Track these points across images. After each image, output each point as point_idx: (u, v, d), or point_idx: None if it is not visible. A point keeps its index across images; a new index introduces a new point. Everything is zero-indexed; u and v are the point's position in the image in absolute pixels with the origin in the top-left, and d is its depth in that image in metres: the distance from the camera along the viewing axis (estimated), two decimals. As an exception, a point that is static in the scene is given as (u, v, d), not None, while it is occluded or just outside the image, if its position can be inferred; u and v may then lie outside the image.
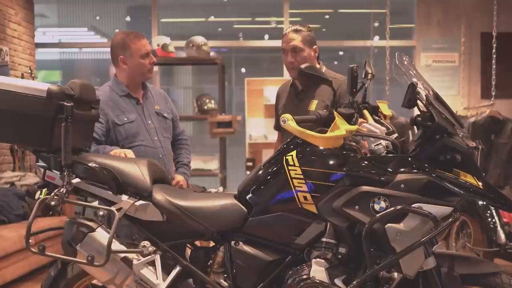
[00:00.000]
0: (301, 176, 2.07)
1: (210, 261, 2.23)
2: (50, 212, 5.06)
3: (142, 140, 2.87)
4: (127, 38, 2.90)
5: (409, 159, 2.03)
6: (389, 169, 2.01)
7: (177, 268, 2.18)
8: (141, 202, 2.17)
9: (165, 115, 3.03)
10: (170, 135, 3.06)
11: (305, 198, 2.06)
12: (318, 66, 3.00)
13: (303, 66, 2.19)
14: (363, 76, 2.31)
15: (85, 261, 2.08)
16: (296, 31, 2.95)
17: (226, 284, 2.18)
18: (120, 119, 2.85)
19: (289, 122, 2.06)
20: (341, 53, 9.27)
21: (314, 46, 2.97)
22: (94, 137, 2.67)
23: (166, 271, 2.18)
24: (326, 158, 2.08)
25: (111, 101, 2.86)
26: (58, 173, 2.19)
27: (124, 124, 2.85)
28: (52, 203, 2.08)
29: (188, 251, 2.31)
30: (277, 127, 3.13)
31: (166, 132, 3.01)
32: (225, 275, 2.19)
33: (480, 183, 1.95)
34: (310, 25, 3.02)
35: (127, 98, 2.92)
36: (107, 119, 2.81)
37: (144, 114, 2.93)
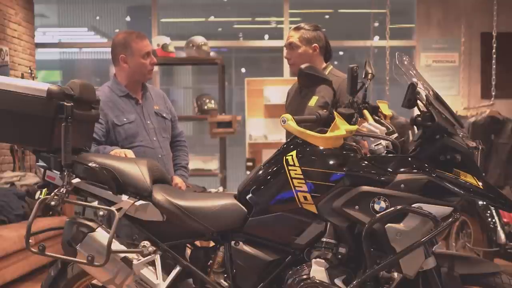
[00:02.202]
0: (301, 176, 2.07)
1: (210, 261, 2.23)
2: (50, 212, 5.06)
3: (141, 141, 2.87)
4: (129, 38, 2.91)
5: (409, 159, 2.03)
6: (389, 169, 2.01)
7: (177, 268, 2.18)
8: (141, 202, 2.17)
9: (164, 115, 3.03)
10: (169, 135, 3.06)
11: (305, 198, 2.06)
12: (324, 65, 3.02)
13: (303, 66, 2.18)
14: (363, 76, 2.31)
15: (85, 261, 2.08)
16: (296, 28, 3.03)
17: (226, 284, 2.17)
18: (119, 119, 2.85)
19: (289, 122, 2.06)
20: (341, 53, 9.27)
21: (314, 45, 2.98)
22: (94, 138, 2.68)
23: (166, 271, 2.18)
24: (326, 158, 2.08)
25: (110, 102, 2.86)
26: (58, 173, 2.19)
27: (123, 125, 2.85)
28: (52, 203, 2.08)
29: (188, 251, 2.31)
30: None
31: (165, 132, 3.01)
32: (225, 275, 2.19)
33: (480, 183, 1.95)
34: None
35: (126, 98, 2.92)
36: (107, 119, 2.82)
37: (143, 114, 2.93)
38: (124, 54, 2.90)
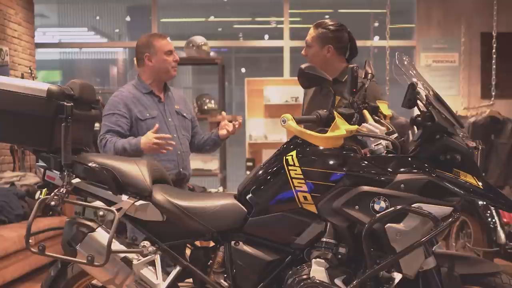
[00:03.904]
0: (301, 176, 2.07)
1: (210, 261, 2.23)
2: (50, 212, 5.05)
3: None
4: (151, 38, 3.09)
5: (409, 159, 2.03)
6: (389, 169, 2.01)
7: (177, 268, 2.18)
8: (141, 202, 2.17)
9: (184, 114, 3.16)
10: (189, 134, 3.17)
11: (305, 198, 2.06)
12: (344, 65, 2.88)
13: (303, 66, 2.17)
14: (363, 76, 2.31)
15: (85, 261, 2.08)
16: (316, 26, 2.94)
17: (226, 284, 2.17)
18: (142, 114, 2.96)
19: (289, 122, 2.06)
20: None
21: (327, 46, 2.87)
22: (119, 131, 2.85)
23: (166, 271, 2.18)
24: (326, 158, 2.08)
25: (134, 98, 2.99)
26: (58, 173, 2.19)
27: (146, 120, 2.96)
28: (52, 203, 2.08)
29: (188, 251, 2.32)
30: None
31: (185, 131, 3.13)
32: (225, 275, 2.19)
33: (480, 183, 1.96)
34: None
35: (150, 96, 3.05)
36: (131, 114, 2.94)
37: (165, 112, 3.06)
38: (148, 53, 3.05)
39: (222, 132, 3.06)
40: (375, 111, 2.29)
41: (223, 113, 3.14)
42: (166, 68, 3.05)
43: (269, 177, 2.16)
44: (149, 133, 2.75)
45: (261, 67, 9.72)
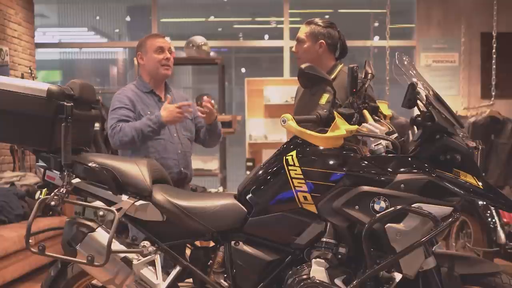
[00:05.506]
0: (301, 176, 2.07)
1: (210, 261, 2.23)
2: (50, 212, 5.05)
3: (163, 134, 2.97)
4: (146, 37, 3.15)
5: (409, 159, 2.03)
6: (389, 169, 2.01)
7: (177, 268, 2.19)
8: (141, 202, 2.17)
9: (186, 114, 3.09)
10: (191, 133, 3.16)
11: (305, 198, 2.06)
12: (333, 63, 2.95)
13: (303, 66, 2.17)
14: (363, 76, 2.31)
15: (85, 261, 2.08)
16: (308, 23, 2.99)
17: (226, 284, 2.18)
18: (144, 112, 3.00)
19: (289, 122, 2.06)
20: (341, 53, 9.24)
21: (320, 41, 2.91)
22: (129, 122, 2.88)
23: (166, 271, 2.18)
24: (326, 158, 2.08)
25: (136, 96, 3.03)
26: (58, 173, 2.19)
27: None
28: (52, 203, 2.08)
29: (188, 251, 2.32)
30: None
31: (186, 131, 3.12)
32: (225, 275, 2.19)
33: (480, 183, 1.96)
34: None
35: (150, 95, 3.08)
36: (136, 109, 2.98)
37: None
38: (140, 51, 3.11)
39: (202, 118, 3.05)
40: (375, 111, 2.29)
41: (205, 97, 3.09)
42: (155, 65, 3.05)
43: (269, 177, 2.16)
44: (167, 105, 2.82)
45: (261, 67, 9.72)
